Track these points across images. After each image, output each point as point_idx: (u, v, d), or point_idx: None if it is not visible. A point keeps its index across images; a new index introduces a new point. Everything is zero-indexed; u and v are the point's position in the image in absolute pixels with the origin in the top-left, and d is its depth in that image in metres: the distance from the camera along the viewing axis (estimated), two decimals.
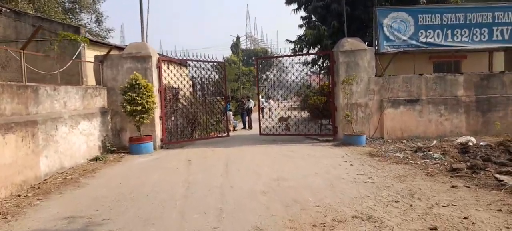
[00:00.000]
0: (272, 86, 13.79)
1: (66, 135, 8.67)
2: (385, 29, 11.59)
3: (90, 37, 14.98)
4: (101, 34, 28.24)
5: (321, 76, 26.90)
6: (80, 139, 9.33)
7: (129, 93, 10.51)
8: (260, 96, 22.99)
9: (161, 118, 11.79)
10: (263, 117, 20.13)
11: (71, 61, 10.74)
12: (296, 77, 13.05)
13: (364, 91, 11.60)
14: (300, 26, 13.69)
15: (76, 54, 12.43)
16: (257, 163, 8.78)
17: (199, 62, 13.06)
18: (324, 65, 13.78)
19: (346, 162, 8.60)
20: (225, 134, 14.07)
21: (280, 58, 12.92)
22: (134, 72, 10.83)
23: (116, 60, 11.49)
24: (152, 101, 10.88)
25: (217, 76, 14.07)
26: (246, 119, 20.23)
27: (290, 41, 13.70)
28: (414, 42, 11.60)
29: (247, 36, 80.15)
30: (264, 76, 62.49)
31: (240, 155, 9.95)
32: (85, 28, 23.64)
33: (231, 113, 15.58)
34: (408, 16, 11.55)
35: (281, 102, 14.09)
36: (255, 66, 12.99)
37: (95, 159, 9.65)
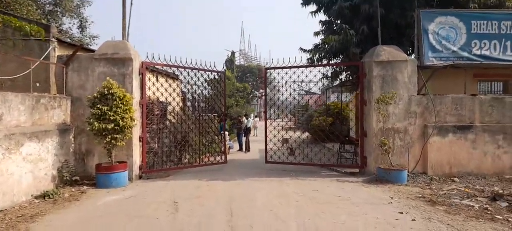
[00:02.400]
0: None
1: None
2: (430, 36, 9.24)
3: (65, 39, 12.25)
4: (83, 41, 25.54)
5: (335, 94, 24.53)
6: (22, 167, 6.57)
7: (98, 106, 7.82)
8: (252, 115, 20.49)
9: (141, 139, 9.08)
10: (255, 135, 17.67)
11: (38, 62, 8.01)
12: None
13: (404, 114, 9.12)
14: (316, 33, 11.25)
15: (43, 56, 9.73)
16: (276, 212, 6.09)
17: (193, 71, 10.46)
18: (349, 79, 11.30)
19: (401, 213, 6.01)
20: (222, 160, 11.38)
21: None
22: (108, 78, 8.17)
23: (86, 62, 8.82)
24: (130, 117, 8.20)
25: (210, 90, 11.48)
26: (243, 140, 17.63)
27: (305, 50, 11.25)
28: (466, 54, 9.26)
29: (241, 53, 78.13)
30: (258, 94, 60.21)
31: (248, 196, 7.26)
32: (59, 28, 20.86)
33: (227, 133, 13.03)
34: (459, 22, 9.24)
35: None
36: (263, 77, 10.41)
37: (43, 195, 6.86)
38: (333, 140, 15.43)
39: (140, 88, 9.16)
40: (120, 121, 7.90)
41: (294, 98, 11.08)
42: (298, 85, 10.41)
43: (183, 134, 11.18)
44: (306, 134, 20.65)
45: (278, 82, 10.59)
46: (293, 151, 13.94)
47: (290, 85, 10.61)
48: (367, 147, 9.42)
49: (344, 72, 11.10)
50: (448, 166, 8.98)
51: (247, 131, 17.76)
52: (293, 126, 28.32)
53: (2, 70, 8.44)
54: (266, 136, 11.01)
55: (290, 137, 11.09)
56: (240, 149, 17.47)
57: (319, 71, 10.56)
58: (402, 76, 9.11)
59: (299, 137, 11.58)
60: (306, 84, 10.34)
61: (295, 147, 14.38)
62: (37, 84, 7.64)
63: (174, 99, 10.34)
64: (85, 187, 7.80)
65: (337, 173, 10.12)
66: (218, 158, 11.40)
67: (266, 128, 11.11)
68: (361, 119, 9.62)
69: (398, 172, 8.41)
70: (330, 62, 10.80)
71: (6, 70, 8.42)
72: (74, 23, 24.97)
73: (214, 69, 11.07)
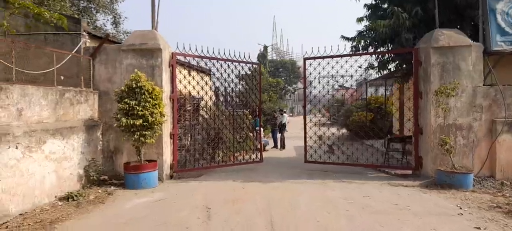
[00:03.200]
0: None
1: (16, 161, 5.42)
2: (498, 17, 7.92)
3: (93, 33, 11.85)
4: (118, 37, 25.59)
5: (375, 88, 23.01)
6: (45, 167, 6.07)
7: (126, 100, 7.24)
8: (284, 110, 19.51)
9: (172, 136, 8.45)
10: (286, 131, 16.73)
11: (70, 54, 7.55)
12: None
13: (467, 107, 7.89)
14: (360, 19, 10.11)
15: (75, 50, 9.35)
16: (324, 225, 5.19)
17: (226, 63, 9.70)
18: (398, 68, 10.08)
19: (478, 229, 4.93)
20: (258, 159, 10.58)
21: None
22: (136, 70, 7.57)
23: (113, 54, 8.28)
24: (160, 112, 7.56)
25: (244, 84, 10.66)
26: (278, 137, 16.76)
27: (348, 39, 10.15)
28: None
29: (273, 48, 77.10)
30: (291, 89, 58.97)
31: (289, 202, 6.39)
32: (93, 24, 20.83)
33: (262, 130, 12.23)
34: None
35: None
36: (303, 67, 9.48)
37: (67, 197, 6.35)
38: (374, 137, 14.27)
39: (170, 82, 8.52)
40: (149, 116, 7.28)
41: (330, 92, 10.12)
42: (342, 76, 9.38)
43: (216, 130, 10.49)
44: (344, 130, 19.51)
45: (319, 73, 9.59)
46: (333, 149, 12.95)
47: (330, 78, 9.63)
48: (423, 146, 8.26)
49: (392, 62, 9.89)
50: None
51: (282, 127, 16.87)
52: (328, 122, 27.10)
53: (34, 65, 8.08)
54: (305, 133, 10.07)
55: (324, 133, 10.06)
56: (275, 146, 16.65)
57: (365, 60, 9.47)
58: (465, 64, 7.86)
59: (335, 133, 10.50)
60: (351, 76, 9.28)
61: (334, 145, 13.41)
62: (62, 78, 7.15)
63: (206, 93, 9.64)
64: (112, 188, 7.26)
65: (386, 174, 9.04)
66: (253, 156, 10.61)
67: (305, 124, 10.16)
68: (416, 114, 8.45)
69: (463, 176, 7.23)
70: (378, 50, 9.63)
71: (38, 65, 8.04)
72: (108, 19, 25.07)
73: (249, 61, 10.26)
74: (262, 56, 44.73)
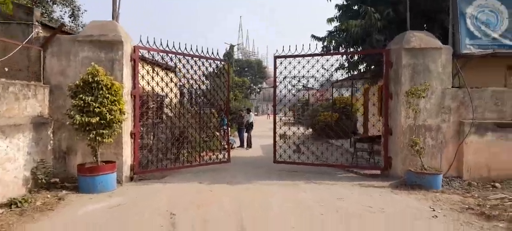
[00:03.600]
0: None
1: None
2: (468, 21, 8.02)
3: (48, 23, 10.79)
4: (76, 31, 24.08)
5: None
6: None
7: (81, 95, 6.54)
8: (251, 109, 19.26)
9: (133, 135, 7.82)
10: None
11: (18, 45, 6.69)
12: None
13: (436, 109, 7.91)
14: (330, 20, 9.98)
15: (26, 41, 8.42)
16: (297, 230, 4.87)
17: (193, 59, 9.18)
18: (367, 69, 10.03)
19: None
20: (225, 159, 10.14)
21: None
22: (93, 63, 6.88)
23: (67, 45, 7.52)
24: (119, 109, 6.93)
25: (211, 81, 10.17)
26: (245, 136, 16.41)
27: (318, 38, 9.97)
28: (507, 42, 8.03)
29: (239, 48, 76.76)
30: (257, 88, 58.92)
31: (259, 204, 6.04)
32: (49, 16, 19.47)
33: (228, 129, 11.79)
34: (501, 5, 8.04)
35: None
36: (274, 66, 9.14)
37: (10, 204, 5.59)
38: (339, 137, 14.28)
39: (131, 77, 7.89)
40: (107, 114, 6.63)
41: (301, 91, 9.90)
42: (313, 76, 9.16)
43: (181, 129, 9.94)
44: (309, 130, 19.55)
45: (290, 72, 9.31)
46: (300, 149, 12.79)
47: (301, 77, 9.38)
48: (393, 147, 8.21)
49: (362, 63, 9.84)
50: (487, 169, 7.78)
51: (249, 126, 16.53)
52: (293, 121, 27.14)
53: None
54: (274, 133, 9.77)
55: (293, 133, 9.85)
56: (241, 145, 16.29)
57: (337, 60, 9.30)
58: (435, 66, 7.88)
59: (302, 133, 10.24)
60: (322, 76, 9.10)
61: (302, 144, 13.26)
62: (6, 69, 6.35)
63: (171, 90, 9.06)
64: (64, 192, 6.54)
65: (355, 175, 8.93)
66: (220, 156, 10.15)
67: (275, 123, 9.86)
68: (386, 115, 8.39)
69: (433, 177, 7.21)
70: (348, 50, 9.52)
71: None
72: (65, 12, 23.49)
73: (217, 57, 9.81)
74: (228, 55, 44.23)
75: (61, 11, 23.68)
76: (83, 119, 6.42)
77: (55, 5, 23.26)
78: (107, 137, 6.75)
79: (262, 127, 22.15)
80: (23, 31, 8.46)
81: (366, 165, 9.57)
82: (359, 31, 8.46)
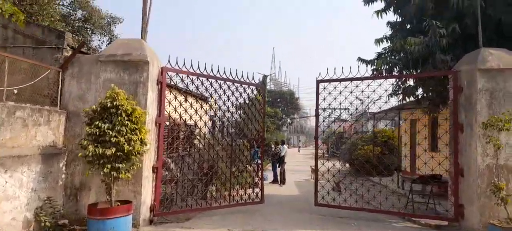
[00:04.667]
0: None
1: None
2: None
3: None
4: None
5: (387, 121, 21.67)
6: None
7: (97, 122, 5.63)
8: (285, 141, 18.02)
9: (155, 170, 6.80)
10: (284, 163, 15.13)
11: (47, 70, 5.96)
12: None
13: None
14: (379, 40, 8.79)
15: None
16: None
17: (227, 84, 8.20)
18: (425, 96, 8.62)
19: None
20: (258, 199, 8.85)
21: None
22: (113, 85, 6.00)
23: (89, 66, 6.76)
24: (140, 139, 5.94)
25: (246, 109, 9.09)
26: (278, 171, 15.14)
27: (366, 62, 8.77)
28: None
29: (272, 79, 76.37)
30: (289, 120, 57.68)
31: None
32: (88, 45, 19.51)
33: (262, 162, 10.58)
34: None
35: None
36: (316, 92, 7.96)
37: None
38: (382, 174, 12.72)
39: (157, 103, 6.97)
40: (126, 144, 5.64)
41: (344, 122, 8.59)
42: (362, 103, 7.91)
43: (210, 162, 8.84)
44: (347, 165, 17.95)
45: (334, 99, 8.09)
46: (340, 187, 11.34)
47: (348, 105, 8.13)
48: (466, 192, 6.67)
49: (419, 88, 8.48)
50: None
51: (281, 160, 15.29)
52: (326, 155, 25.53)
53: (10, 82, 6.49)
54: (316, 170, 8.45)
55: (328, 169, 8.40)
56: (275, 181, 14.99)
57: (392, 84, 8.00)
58: None
59: (338, 169, 8.70)
60: (374, 102, 7.81)
61: (341, 182, 11.83)
62: (16, 91, 5.60)
63: (201, 119, 8.05)
64: None
65: (414, 224, 7.41)
66: (252, 195, 8.84)
67: (316, 158, 8.57)
68: (456, 151, 6.91)
69: None
70: (404, 73, 8.21)
71: (12, 82, 6.46)
72: (103, 41, 23.74)
73: (253, 82, 8.82)
74: (262, 85, 43.54)
75: (99, 40, 23.89)
76: (97, 149, 5.46)
77: (93, 35, 23.54)
78: (124, 172, 5.73)
79: (293, 160, 20.75)
80: (54, 56, 7.91)
81: (430, 214, 7.98)
82: (421, 50, 7.16)
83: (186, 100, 7.76)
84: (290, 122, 54.76)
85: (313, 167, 16.59)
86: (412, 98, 8.91)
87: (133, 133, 5.81)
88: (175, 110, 7.41)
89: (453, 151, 6.99)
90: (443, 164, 7.33)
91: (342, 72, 7.93)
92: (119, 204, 5.82)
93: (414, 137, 14.86)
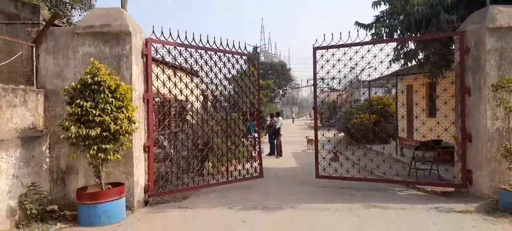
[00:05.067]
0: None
1: None
2: None
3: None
4: None
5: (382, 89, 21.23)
6: None
7: (78, 101, 5.14)
8: (280, 113, 17.70)
9: (147, 148, 6.37)
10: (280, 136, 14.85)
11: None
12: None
13: None
14: (376, 3, 8.26)
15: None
16: None
17: (218, 54, 7.67)
18: (428, 59, 8.18)
19: None
20: (256, 173, 8.50)
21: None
22: (93, 59, 5.46)
23: (65, 40, 6.16)
24: (128, 117, 5.47)
25: (239, 82, 8.58)
26: (275, 143, 14.82)
27: (364, 26, 8.29)
28: None
29: (262, 50, 75.19)
30: (281, 92, 57.15)
31: None
32: (68, 21, 18.57)
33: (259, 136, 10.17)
34: None
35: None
36: (313, 60, 7.50)
37: None
38: (377, 141, 12.50)
39: (143, 77, 6.45)
40: (111, 123, 5.18)
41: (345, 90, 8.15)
42: (362, 69, 7.46)
43: (204, 138, 8.43)
44: (341, 134, 17.69)
45: (333, 66, 7.64)
46: (338, 156, 11.16)
47: (347, 72, 7.69)
48: (474, 157, 6.39)
49: (421, 51, 8.04)
50: None
51: (277, 132, 14.95)
52: (320, 125, 25.33)
53: None
54: (316, 142, 8.10)
55: (322, 134, 8.01)
56: (271, 153, 14.72)
57: (393, 49, 7.56)
58: None
59: (332, 137, 8.27)
60: (375, 69, 7.36)
61: (338, 152, 11.65)
62: None
63: (192, 93, 7.56)
64: (59, 225, 5.14)
65: (420, 192, 7.17)
66: (250, 170, 8.48)
67: (316, 129, 8.21)
68: (463, 115, 6.58)
69: None
70: (404, 36, 7.74)
71: None
72: (83, 15, 22.68)
73: (245, 53, 8.29)
74: (255, 54, 42.59)
75: (80, 15, 22.83)
76: (80, 130, 5.00)
77: (73, 9, 22.43)
78: (112, 153, 5.30)
79: (288, 131, 20.48)
80: (25, 30, 7.25)
81: (436, 181, 7.73)
82: (424, 10, 6.68)
83: (175, 74, 7.24)
84: (283, 94, 54.24)
85: (309, 138, 16.46)
86: (413, 63, 8.48)
87: (119, 110, 5.34)
88: (164, 85, 6.90)
89: (459, 115, 6.66)
90: (443, 129, 7.01)
91: (340, 37, 7.45)
92: (110, 186, 5.42)
93: (410, 103, 14.61)
